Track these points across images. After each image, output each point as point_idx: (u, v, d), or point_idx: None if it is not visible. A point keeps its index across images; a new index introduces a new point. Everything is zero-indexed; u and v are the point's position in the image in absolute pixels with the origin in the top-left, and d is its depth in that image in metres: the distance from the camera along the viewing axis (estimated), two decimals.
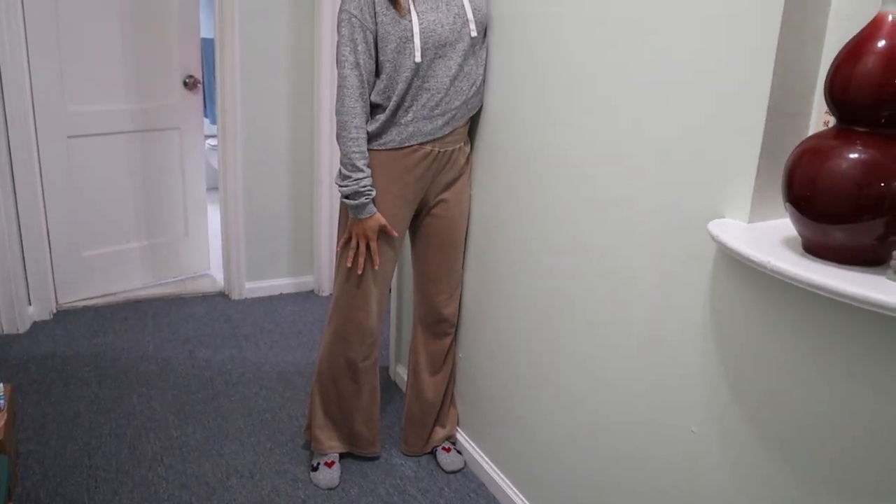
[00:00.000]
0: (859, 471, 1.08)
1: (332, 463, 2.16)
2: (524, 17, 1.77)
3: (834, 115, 1.08)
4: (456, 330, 2.21)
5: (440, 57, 1.81)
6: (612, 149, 1.52)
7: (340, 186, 1.86)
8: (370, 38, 1.79)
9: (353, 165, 1.83)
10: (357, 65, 1.79)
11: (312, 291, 3.60)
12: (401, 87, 1.81)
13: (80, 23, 3.00)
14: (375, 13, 1.78)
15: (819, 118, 1.24)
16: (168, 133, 3.41)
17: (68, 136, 3.07)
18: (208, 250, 3.72)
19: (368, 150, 1.86)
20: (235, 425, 2.41)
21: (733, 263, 1.25)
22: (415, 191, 1.94)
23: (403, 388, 2.55)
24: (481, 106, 1.97)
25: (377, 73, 1.84)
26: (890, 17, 1.00)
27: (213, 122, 4.70)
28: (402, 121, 1.85)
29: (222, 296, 3.49)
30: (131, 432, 2.34)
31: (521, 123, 1.82)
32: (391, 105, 1.82)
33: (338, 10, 1.83)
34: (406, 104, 1.83)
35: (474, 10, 1.83)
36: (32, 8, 2.82)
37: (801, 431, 1.16)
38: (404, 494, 2.11)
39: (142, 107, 3.28)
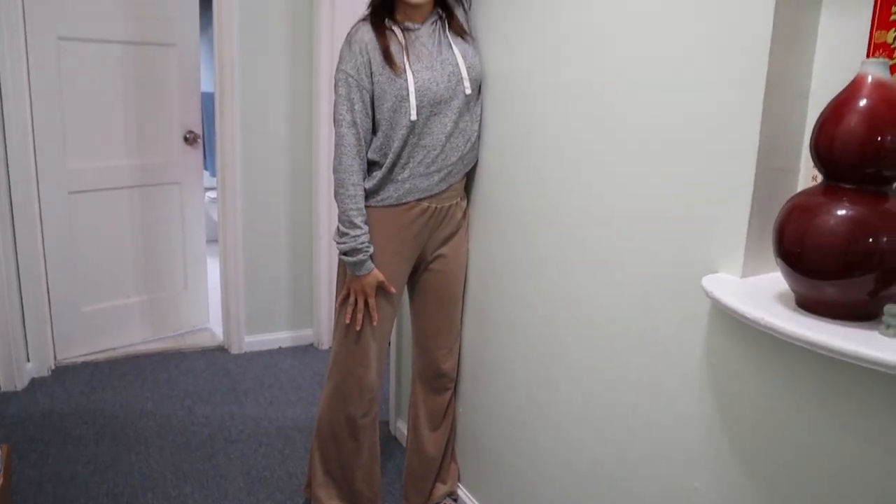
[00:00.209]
0: None
1: None
2: (517, 75, 1.81)
3: (820, 171, 1.10)
4: (455, 384, 2.20)
5: (435, 114, 1.84)
6: (603, 204, 1.54)
7: (338, 243, 1.87)
8: (367, 98, 1.83)
9: (351, 222, 1.85)
10: (354, 123, 1.82)
11: (312, 345, 3.59)
12: (397, 144, 1.84)
13: (83, 80, 3.06)
14: (372, 73, 1.82)
15: (808, 172, 1.27)
16: (168, 188, 3.46)
17: (69, 192, 3.11)
18: (207, 304, 3.73)
19: (366, 206, 1.88)
20: (235, 484, 2.38)
21: (728, 318, 1.26)
22: (412, 247, 1.96)
23: (404, 443, 2.53)
24: (477, 161, 2.00)
25: (374, 131, 1.88)
26: (869, 78, 1.03)
27: (213, 174, 4.74)
28: (399, 178, 1.87)
29: (221, 350, 3.48)
30: (129, 492, 2.31)
31: (514, 180, 1.85)
32: (388, 162, 1.85)
33: (335, 70, 1.87)
34: (402, 161, 1.86)
35: (468, 68, 1.87)
36: (37, 67, 2.89)
37: (801, 488, 1.15)
38: None
39: (142, 162, 3.32)
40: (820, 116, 1.08)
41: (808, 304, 1.10)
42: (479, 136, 1.96)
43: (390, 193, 1.88)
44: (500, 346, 1.97)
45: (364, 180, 1.88)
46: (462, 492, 2.27)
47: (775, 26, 1.16)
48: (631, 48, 1.44)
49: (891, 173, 1.03)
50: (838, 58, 1.21)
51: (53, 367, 3.15)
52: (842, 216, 1.03)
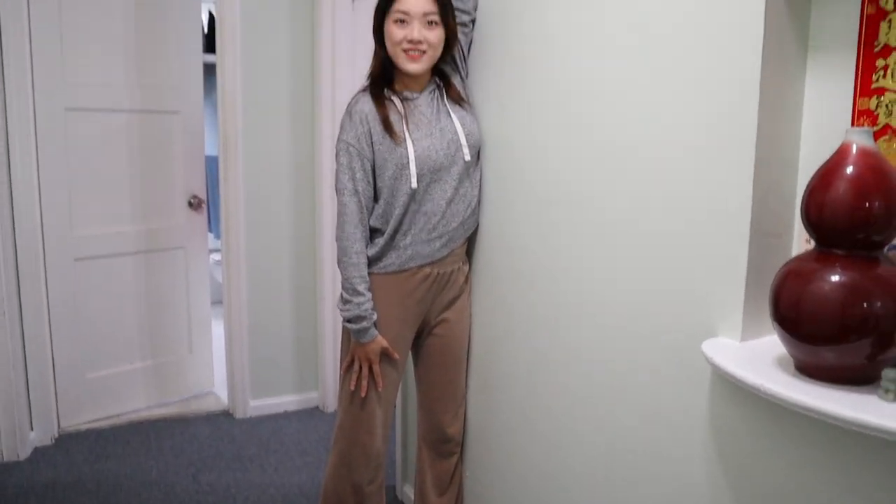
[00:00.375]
0: None
1: None
2: (515, 142, 1.86)
3: (812, 237, 1.12)
4: (462, 448, 2.19)
5: (436, 181, 1.88)
6: (603, 270, 1.56)
7: (342, 310, 1.89)
8: (368, 166, 1.87)
9: (355, 290, 1.87)
10: (356, 192, 1.86)
11: (317, 407, 3.57)
12: (398, 211, 1.87)
13: (90, 148, 3.12)
14: (372, 142, 1.86)
15: (802, 235, 1.29)
16: (173, 252, 3.48)
17: (75, 259, 3.14)
18: (212, 367, 3.72)
19: (369, 273, 1.90)
20: None
21: (729, 382, 1.27)
22: (416, 312, 1.97)
23: None
24: (477, 226, 2.02)
25: (375, 199, 1.91)
26: (854, 147, 1.06)
27: (218, 236, 4.79)
28: (401, 244, 1.90)
29: (226, 415, 3.46)
30: None
31: (514, 244, 1.87)
32: (389, 229, 1.88)
33: (336, 140, 1.91)
34: (404, 228, 1.89)
35: (467, 135, 1.91)
36: (44, 136, 2.95)
37: None
38: None
39: (147, 228, 3.36)
40: (808, 184, 1.11)
41: (807, 369, 1.11)
42: (479, 201, 1.99)
43: (393, 260, 1.90)
44: (506, 409, 1.97)
45: (367, 248, 1.90)
46: None
47: (761, 94, 1.20)
48: (623, 115, 1.48)
49: (880, 238, 1.06)
50: (825, 124, 1.25)
51: (57, 436, 3.13)
52: (835, 282, 1.05)
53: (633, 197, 1.46)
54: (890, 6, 1.14)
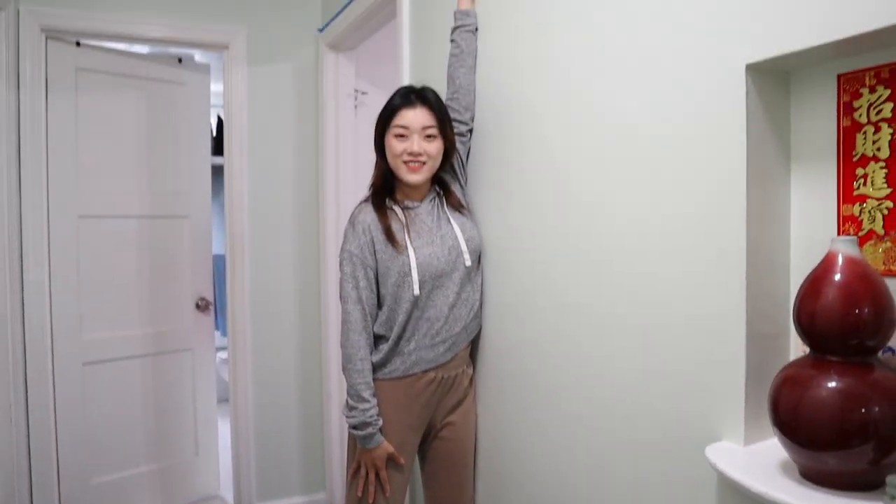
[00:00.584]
0: None
1: None
2: (513, 246, 1.90)
3: (806, 344, 1.14)
4: None
5: (438, 287, 1.91)
6: (603, 376, 1.58)
7: (347, 417, 1.90)
8: (371, 275, 1.91)
9: (360, 396, 1.88)
10: (359, 300, 1.89)
11: None
12: (401, 318, 1.90)
13: (100, 253, 3.20)
14: (375, 251, 1.90)
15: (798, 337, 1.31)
16: (180, 354, 3.51)
17: (83, 363, 3.16)
18: (219, 469, 3.67)
19: (374, 379, 1.91)
20: None
21: (734, 488, 1.26)
22: (421, 417, 1.98)
23: None
24: (480, 329, 2.05)
25: (379, 305, 1.94)
26: (840, 257, 1.09)
27: (224, 334, 4.82)
28: (405, 350, 1.92)
29: None
30: None
31: (516, 346, 1.89)
32: (393, 335, 1.91)
33: (340, 249, 1.96)
34: (407, 334, 1.92)
35: (467, 241, 1.96)
36: (57, 243, 3.03)
37: None
38: None
39: (155, 331, 3.40)
40: (799, 292, 1.14)
41: (811, 475, 1.11)
42: (481, 305, 2.02)
43: (397, 366, 1.92)
44: None
45: (371, 354, 1.92)
46: None
47: (749, 202, 1.25)
48: (618, 226, 1.52)
49: (873, 343, 1.08)
50: (812, 229, 1.29)
51: None
52: (832, 388, 1.06)
53: (633, 303, 1.49)
54: (864, 119, 1.20)
